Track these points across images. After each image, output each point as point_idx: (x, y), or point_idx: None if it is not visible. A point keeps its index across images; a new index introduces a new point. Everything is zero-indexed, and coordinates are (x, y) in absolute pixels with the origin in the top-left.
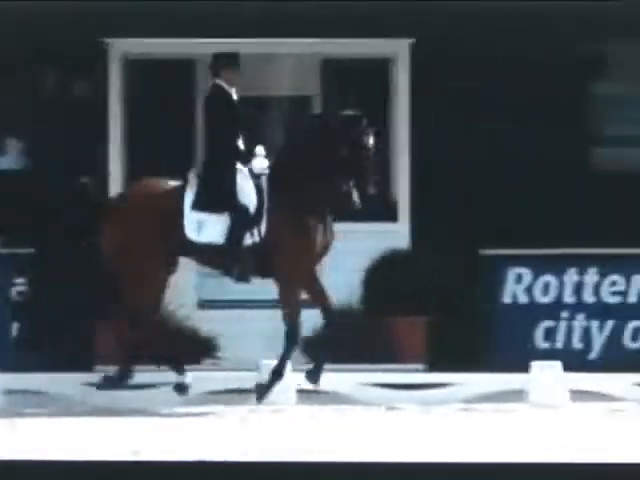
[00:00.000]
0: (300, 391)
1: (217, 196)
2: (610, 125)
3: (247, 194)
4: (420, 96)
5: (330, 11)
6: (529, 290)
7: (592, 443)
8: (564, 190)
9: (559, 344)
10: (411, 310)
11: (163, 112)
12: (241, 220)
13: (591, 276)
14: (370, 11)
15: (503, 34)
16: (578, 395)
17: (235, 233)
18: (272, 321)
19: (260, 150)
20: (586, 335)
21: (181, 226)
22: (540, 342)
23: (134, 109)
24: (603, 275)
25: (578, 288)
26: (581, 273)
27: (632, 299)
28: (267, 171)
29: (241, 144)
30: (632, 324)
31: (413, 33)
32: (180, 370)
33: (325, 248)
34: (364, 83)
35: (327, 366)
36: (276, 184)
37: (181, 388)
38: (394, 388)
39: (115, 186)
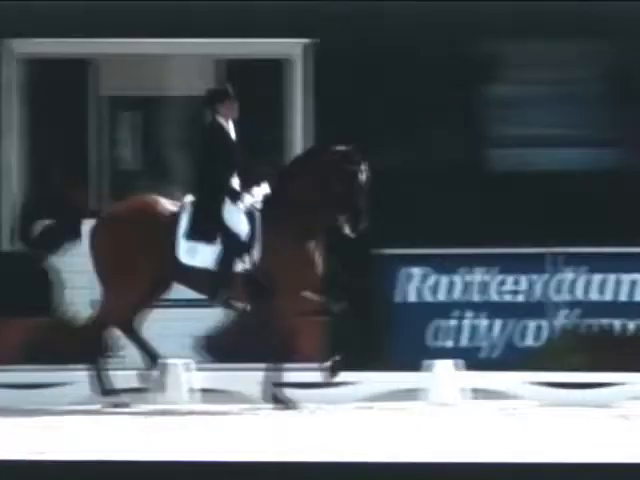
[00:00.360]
0: (203, 390)
1: (208, 227)
2: (506, 126)
3: (238, 223)
4: (317, 96)
5: (225, 11)
6: (428, 289)
7: (485, 442)
8: (460, 190)
9: (457, 342)
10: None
11: (60, 111)
12: (232, 248)
13: (491, 275)
14: (266, 11)
15: (399, 34)
16: (475, 393)
17: (226, 260)
18: (170, 321)
19: (264, 186)
20: (484, 333)
21: (174, 248)
22: (437, 341)
23: (31, 109)
24: (503, 274)
25: (477, 287)
26: (480, 272)
27: (530, 298)
28: (258, 204)
29: (235, 182)
30: (529, 323)
31: (309, 33)
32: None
33: (319, 277)
34: (260, 84)
35: (230, 365)
36: (269, 214)
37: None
38: (294, 387)
39: (10, 184)
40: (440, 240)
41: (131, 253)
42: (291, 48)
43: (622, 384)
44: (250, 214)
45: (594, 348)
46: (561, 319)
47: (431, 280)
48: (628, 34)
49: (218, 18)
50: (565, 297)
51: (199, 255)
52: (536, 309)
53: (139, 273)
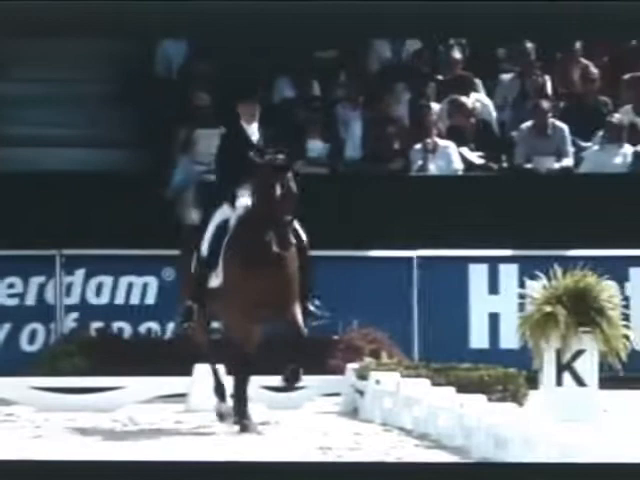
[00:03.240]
0: None
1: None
2: (12, 125)
3: (208, 236)
4: None
5: None
6: None
7: None
8: None
9: None
10: None
11: None
12: (201, 262)
13: None
14: None
15: None
16: None
17: (197, 275)
18: None
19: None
20: None
21: None
22: None
23: None
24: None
25: None
26: None
27: (29, 302)
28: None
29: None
30: (28, 327)
31: None
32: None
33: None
34: None
35: None
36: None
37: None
38: None
39: None
40: None
41: None
42: None
43: (123, 388)
44: (223, 227)
45: (96, 352)
46: (67, 323)
47: None
48: (141, 35)
49: None
50: (71, 300)
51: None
52: (37, 312)
53: None
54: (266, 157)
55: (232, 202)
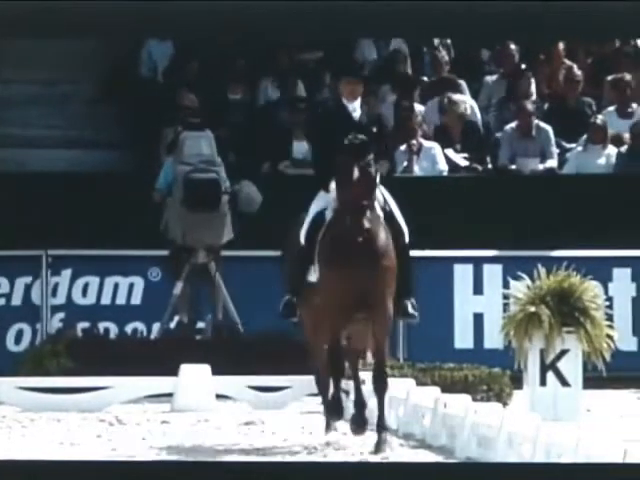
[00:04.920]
0: None
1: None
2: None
3: (305, 227)
4: None
5: None
6: None
7: None
8: None
9: None
10: None
11: None
12: (300, 253)
13: None
14: None
15: None
16: None
17: (297, 267)
18: None
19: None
20: None
21: None
22: None
23: None
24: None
25: None
26: None
27: (15, 302)
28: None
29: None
30: (14, 327)
31: None
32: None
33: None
34: None
35: None
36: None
37: None
38: None
39: None
40: None
41: None
42: None
43: (109, 388)
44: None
45: (82, 352)
46: (53, 323)
47: None
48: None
49: None
50: (57, 300)
51: None
52: (23, 312)
53: None
54: (347, 138)
55: (327, 189)
